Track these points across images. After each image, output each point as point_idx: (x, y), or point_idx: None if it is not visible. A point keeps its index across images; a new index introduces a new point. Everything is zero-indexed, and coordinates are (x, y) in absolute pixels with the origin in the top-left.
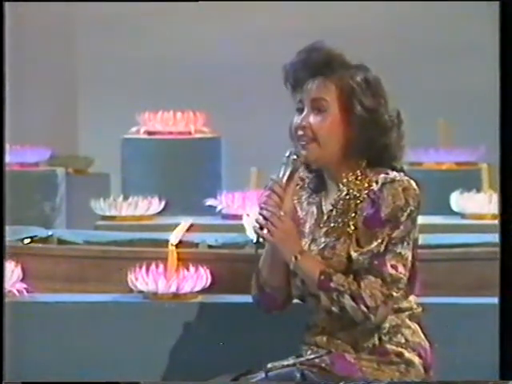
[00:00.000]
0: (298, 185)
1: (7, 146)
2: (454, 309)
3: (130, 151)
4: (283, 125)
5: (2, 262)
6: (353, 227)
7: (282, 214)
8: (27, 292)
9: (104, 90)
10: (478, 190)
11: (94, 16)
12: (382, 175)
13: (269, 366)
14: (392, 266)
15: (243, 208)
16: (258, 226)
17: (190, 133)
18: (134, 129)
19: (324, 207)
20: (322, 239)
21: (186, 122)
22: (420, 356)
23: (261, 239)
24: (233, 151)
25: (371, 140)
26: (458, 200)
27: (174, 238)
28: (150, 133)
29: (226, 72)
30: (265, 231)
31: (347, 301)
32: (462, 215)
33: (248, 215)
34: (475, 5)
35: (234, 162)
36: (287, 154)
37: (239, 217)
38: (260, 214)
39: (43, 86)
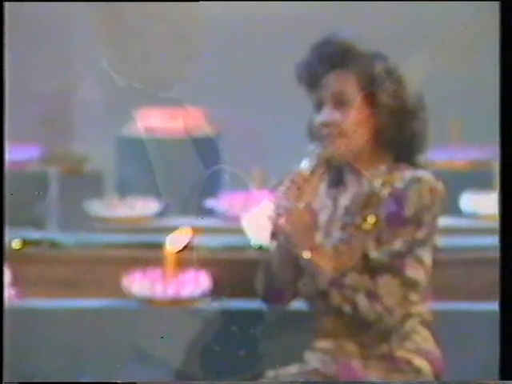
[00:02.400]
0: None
1: None
2: (455, 312)
3: (125, 149)
4: (286, 123)
5: (1, 264)
6: (372, 224)
7: (301, 205)
8: (18, 297)
9: (99, 85)
10: (490, 190)
11: (90, 13)
12: (409, 173)
13: (272, 373)
14: (412, 269)
15: (244, 209)
16: (274, 215)
17: (188, 130)
18: (129, 125)
19: (341, 202)
20: (337, 234)
21: (185, 118)
22: (430, 363)
23: (268, 242)
24: (233, 150)
25: (399, 126)
26: (470, 200)
27: (172, 244)
28: (146, 130)
29: (227, 68)
30: (281, 221)
31: (361, 299)
32: (474, 216)
33: (247, 217)
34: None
35: (235, 161)
36: (312, 148)
37: (240, 219)
38: (278, 203)
39: (36, 81)
